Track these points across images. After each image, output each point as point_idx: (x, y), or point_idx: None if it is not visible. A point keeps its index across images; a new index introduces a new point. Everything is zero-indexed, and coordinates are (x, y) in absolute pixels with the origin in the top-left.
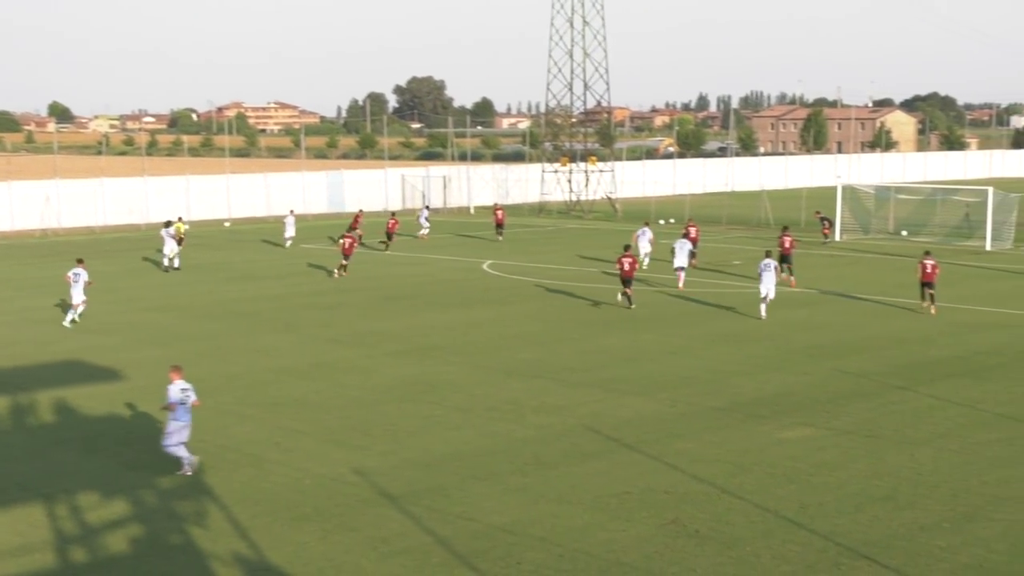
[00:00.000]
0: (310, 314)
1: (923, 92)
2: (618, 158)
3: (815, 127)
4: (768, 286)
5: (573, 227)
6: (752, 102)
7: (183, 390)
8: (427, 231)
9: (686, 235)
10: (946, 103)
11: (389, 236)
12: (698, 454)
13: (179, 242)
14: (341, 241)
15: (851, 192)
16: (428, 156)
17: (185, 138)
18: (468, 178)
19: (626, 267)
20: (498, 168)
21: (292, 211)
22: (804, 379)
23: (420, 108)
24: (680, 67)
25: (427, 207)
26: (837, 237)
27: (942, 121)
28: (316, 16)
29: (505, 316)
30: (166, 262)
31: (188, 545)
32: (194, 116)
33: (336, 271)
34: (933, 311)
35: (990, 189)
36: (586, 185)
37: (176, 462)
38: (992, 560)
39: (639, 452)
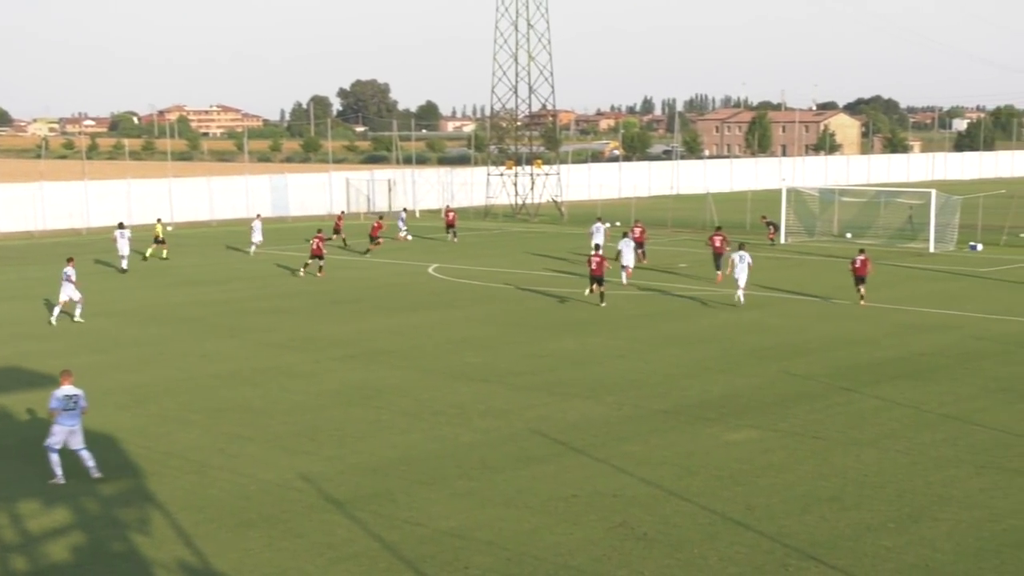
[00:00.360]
0: (255, 319)
1: (866, 95)
2: (563, 161)
3: (759, 130)
4: (742, 277)
5: (519, 230)
6: (697, 105)
7: (68, 396)
8: (406, 233)
9: (627, 234)
10: (889, 106)
11: (373, 239)
12: (645, 457)
13: (161, 242)
14: (310, 241)
15: (796, 195)
16: (373, 159)
17: (126, 142)
18: (413, 182)
19: (594, 265)
20: (443, 171)
21: (259, 215)
22: (750, 381)
23: (364, 111)
24: (625, 71)
25: (404, 210)
26: (783, 240)
27: (885, 124)
28: (259, 19)
29: (451, 320)
30: (124, 264)
31: (131, 552)
32: (135, 119)
33: (302, 270)
34: (863, 303)
35: (933, 191)
36: (532, 188)
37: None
38: (937, 560)
39: (586, 455)
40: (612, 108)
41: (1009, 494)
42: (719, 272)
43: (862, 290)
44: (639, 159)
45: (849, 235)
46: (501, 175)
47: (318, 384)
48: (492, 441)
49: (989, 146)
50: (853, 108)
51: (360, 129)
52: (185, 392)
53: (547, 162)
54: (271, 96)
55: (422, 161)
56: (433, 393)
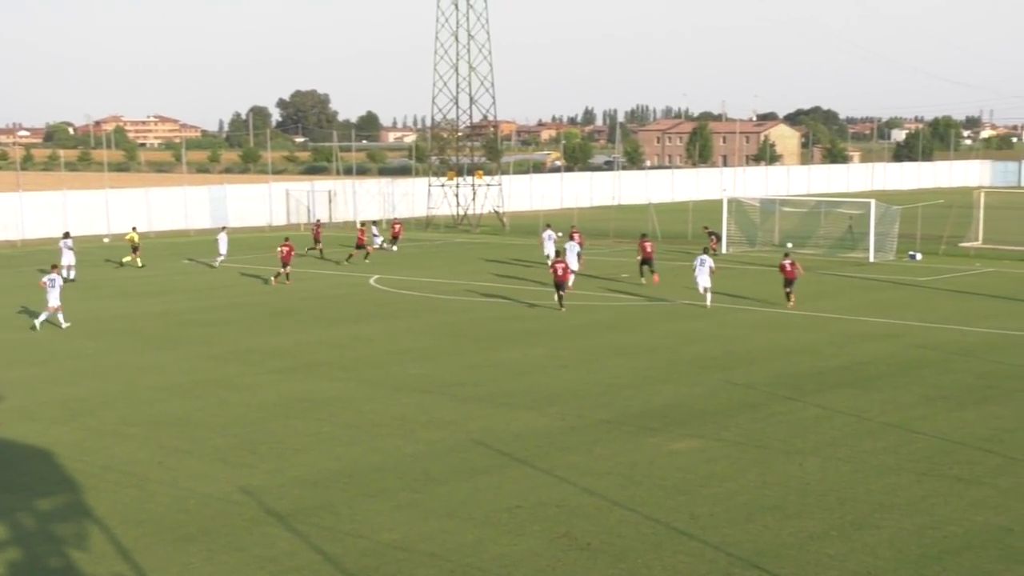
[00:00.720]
0: (194, 331)
1: (806, 106)
2: (505, 172)
3: (700, 141)
4: (704, 280)
5: (461, 241)
6: (638, 116)
7: None
8: (381, 240)
9: (573, 238)
10: (829, 117)
11: (360, 246)
12: (588, 467)
13: (134, 249)
14: (279, 249)
15: (737, 205)
16: (313, 170)
17: (62, 152)
18: (354, 192)
19: (559, 272)
20: (384, 182)
21: (225, 228)
22: (693, 391)
23: (304, 122)
24: (566, 81)
25: (374, 223)
26: (724, 250)
27: (825, 135)
28: (197, 28)
29: (393, 331)
30: (70, 274)
31: (69, 568)
32: (71, 130)
33: (274, 279)
34: (791, 305)
35: (872, 201)
36: (473, 199)
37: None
38: (879, 567)
39: (529, 466)
40: (553, 119)
41: (950, 501)
42: (654, 274)
43: (791, 295)
44: (581, 170)
45: (790, 245)
46: (442, 186)
47: (258, 396)
48: (435, 452)
49: (927, 156)
50: (793, 119)
51: (300, 140)
52: (123, 405)
53: (488, 173)
54: (210, 106)
55: (363, 172)
56: (375, 405)
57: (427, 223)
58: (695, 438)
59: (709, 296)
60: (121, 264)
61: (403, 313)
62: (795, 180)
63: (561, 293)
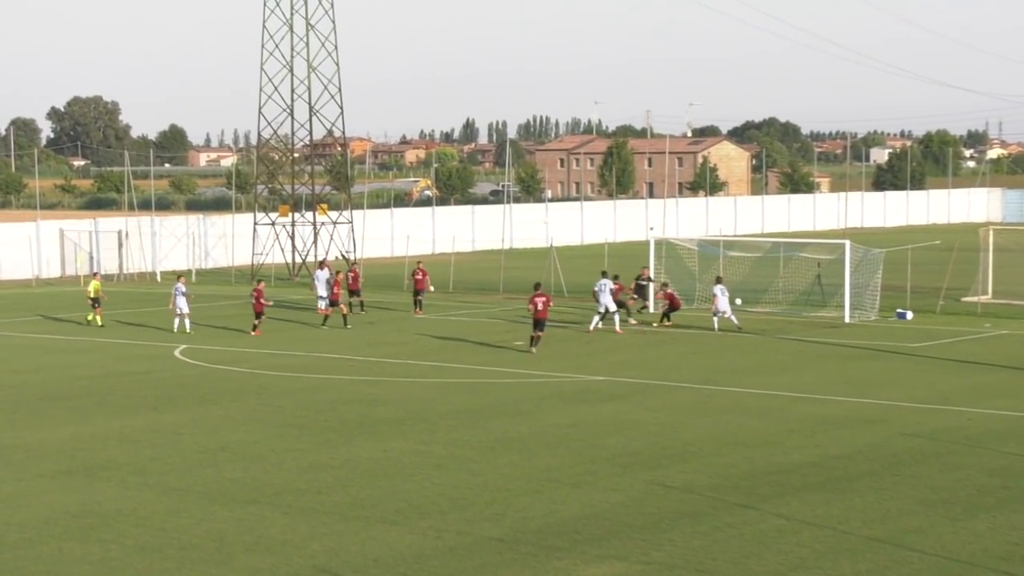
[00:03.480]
0: None
1: (757, 118)
2: (358, 205)
3: (618, 163)
4: (724, 303)
5: (299, 298)
6: (536, 131)
7: None
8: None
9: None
10: (788, 132)
11: (353, 292)
12: None
13: (96, 302)
14: (251, 296)
15: (668, 248)
16: (97, 204)
17: None
18: (153, 233)
19: (539, 307)
20: (194, 220)
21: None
22: (613, 497)
23: (85, 139)
24: (438, 85)
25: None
26: (651, 307)
27: (783, 155)
28: None
29: (206, 420)
30: None
31: None
32: None
33: (253, 331)
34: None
35: (847, 243)
36: (315, 242)
37: None
38: None
39: None
40: (422, 135)
41: None
42: (535, 334)
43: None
44: (459, 202)
45: (739, 301)
46: (273, 224)
47: (20, 511)
48: None
49: (918, 183)
50: (740, 134)
51: (80, 163)
52: None
53: (334, 207)
54: None
55: (165, 206)
56: (181, 520)
57: (253, 274)
58: (617, 560)
59: (734, 316)
60: (88, 322)
61: (219, 396)
62: (745, 215)
63: (537, 333)
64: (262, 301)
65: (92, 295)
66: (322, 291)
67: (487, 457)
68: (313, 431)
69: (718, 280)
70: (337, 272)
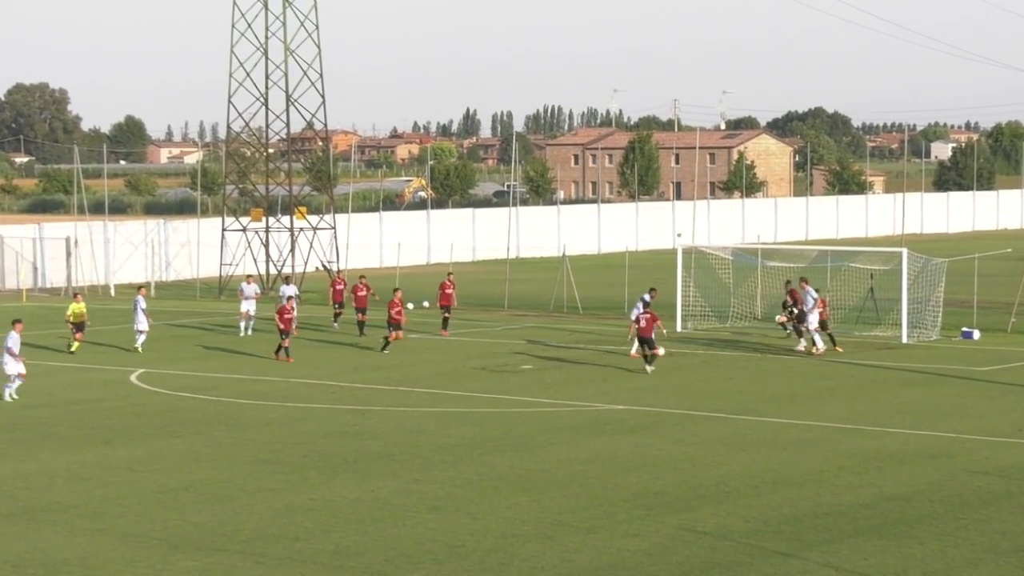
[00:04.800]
0: None
1: (801, 108)
2: (341, 209)
3: (641, 160)
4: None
5: (273, 316)
6: (546, 124)
7: None
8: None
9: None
10: (836, 124)
11: (360, 309)
12: None
13: (79, 327)
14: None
15: (698, 258)
16: (42, 207)
17: None
18: (107, 241)
19: (642, 324)
20: (154, 225)
21: (142, 289)
22: (634, 544)
23: (29, 132)
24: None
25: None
26: (679, 326)
27: (831, 150)
28: None
29: (167, 455)
30: None
31: None
32: None
33: (278, 355)
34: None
35: (904, 251)
36: (292, 251)
37: None
38: None
39: None
40: (416, 128)
41: None
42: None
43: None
44: (458, 205)
45: (780, 318)
46: (244, 230)
47: None
48: None
49: (986, 183)
50: (781, 127)
51: (22, 159)
52: None
53: (315, 210)
54: None
55: (120, 209)
56: (138, 571)
57: (221, 288)
58: None
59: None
60: (71, 352)
61: (181, 427)
62: (787, 219)
63: (650, 351)
64: (286, 316)
65: (73, 320)
66: (250, 308)
67: (489, 498)
68: (289, 468)
69: (803, 280)
70: (337, 275)
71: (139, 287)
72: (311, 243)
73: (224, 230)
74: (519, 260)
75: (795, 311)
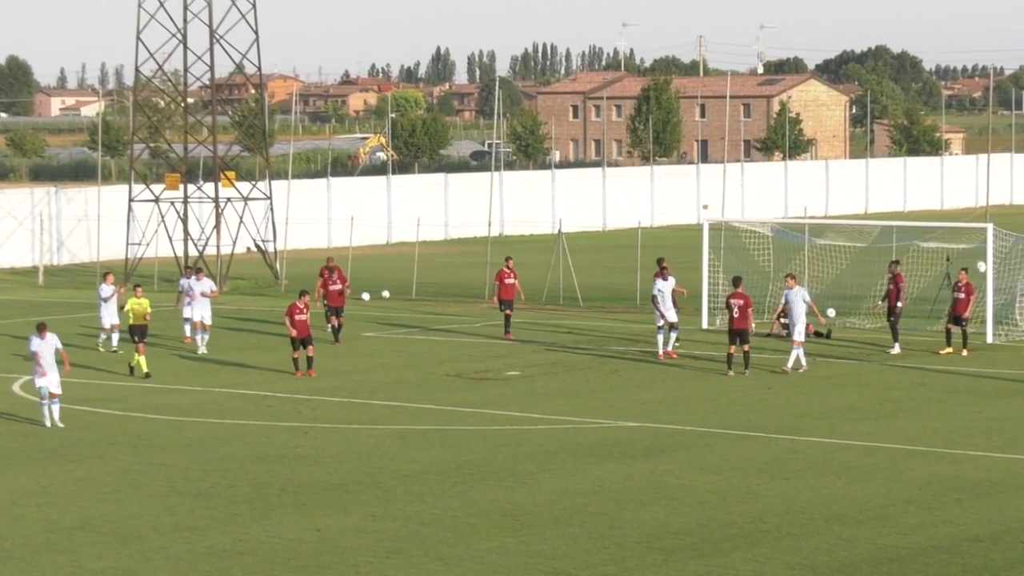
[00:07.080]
0: None
1: (859, 47)
2: (280, 174)
3: (658, 113)
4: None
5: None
6: (537, 67)
7: None
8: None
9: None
10: (903, 67)
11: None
12: None
13: (139, 334)
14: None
15: (729, 235)
16: None
17: None
18: None
19: (735, 312)
20: (42, 194)
21: (109, 275)
22: None
23: None
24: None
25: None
26: (704, 323)
27: (897, 100)
28: None
29: (60, 485)
30: None
31: None
32: None
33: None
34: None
35: (989, 227)
36: (217, 226)
37: None
38: None
39: None
40: (374, 71)
41: None
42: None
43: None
44: (427, 168)
45: (832, 312)
46: (157, 200)
47: None
48: None
49: None
50: (834, 71)
51: None
52: None
53: (245, 176)
54: None
55: (1, 174)
56: None
57: (128, 274)
58: None
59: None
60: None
61: (78, 449)
62: (841, 187)
63: (743, 347)
64: (297, 317)
65: (132, 320)
66: (112, 316)
67: (466, 539)
68: (214, 501)
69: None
70: (329, 264)
71: (104, 273)
72: (241, 217)
73: (131, 200)
74: (503, 239)
75: (894, 305)
